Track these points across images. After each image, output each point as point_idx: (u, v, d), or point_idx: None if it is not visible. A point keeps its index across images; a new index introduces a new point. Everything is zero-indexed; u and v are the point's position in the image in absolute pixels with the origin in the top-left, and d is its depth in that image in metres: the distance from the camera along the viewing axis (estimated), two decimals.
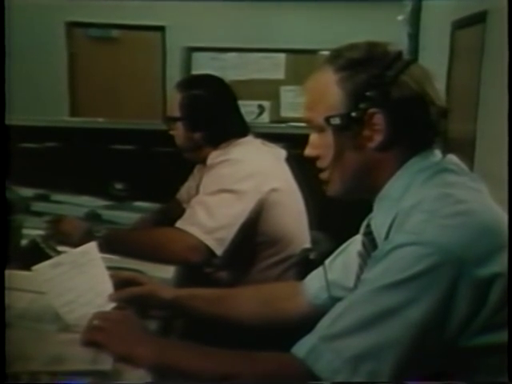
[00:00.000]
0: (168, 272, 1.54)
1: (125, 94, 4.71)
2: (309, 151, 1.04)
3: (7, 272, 1.35)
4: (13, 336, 1.04)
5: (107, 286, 1.20)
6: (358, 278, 1.03)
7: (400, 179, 0.98)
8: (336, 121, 0.97)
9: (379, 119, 0.96)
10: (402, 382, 0.85)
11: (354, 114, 0.96)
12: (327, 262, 1.24)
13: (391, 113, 0.95)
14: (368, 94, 0.95)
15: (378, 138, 0.97)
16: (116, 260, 1.49)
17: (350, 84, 0.97)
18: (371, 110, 0.96)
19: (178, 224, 1.63)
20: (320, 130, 1.01)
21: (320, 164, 1.03)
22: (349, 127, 0.97)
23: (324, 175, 1.03)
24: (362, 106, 0.95)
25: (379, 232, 0.99)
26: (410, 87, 0.95)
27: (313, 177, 1.08)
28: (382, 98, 0.95)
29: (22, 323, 1.13)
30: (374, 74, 0.95)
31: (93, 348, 1.00)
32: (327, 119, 0.98)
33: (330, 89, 0.98)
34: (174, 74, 4.44)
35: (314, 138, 1.03)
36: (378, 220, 1.00)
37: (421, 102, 0.96)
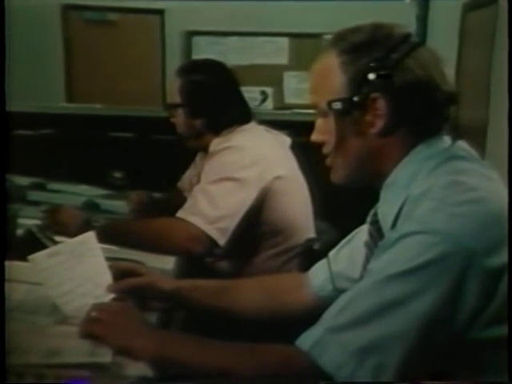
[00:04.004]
0: (168, 263, 1.55)
1: (123, 79, 4.70)
2: (315, 136, 1.04)
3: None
4: (8, 328, 1.04)
5: (106, 277, 1.20)
6: (364, 268, 1.03)
7: (407, 166, 0.98)
8: (337, 105, 0.97)
9: (381, 104, 0.95)
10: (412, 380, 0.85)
11: (355, 99, 0.96)
12: (332, 252, 1.25)
13: (394, 98, 0.95)
14: (370, 78, 0.95)
15: (380, 124, 0.96)
16: (115, 250, 1.49)
17: (352, 68, 0.96)
18: (373, 95, 0.95)
19: (179, 214, 1.64)
20: (324, 114, 1.01)
21: (325, 150, 1.03)
22: (350, 112, 0.97)
23: (328, 162, 1.03)
24: (364, 90, 0.95)
25: (386, 221, 0.99)
26: (415, 72, 0.95)
27: (318, 165, 1.08)
28: (385, 82, 0.94)
29: (18, 315, 1.14)
30: (377, 58, 0.95)
31: (91, 340, 1.01)
32: (329, 103, 0.98)
33: (332, 73, 0.98)
34: (174, 59, 4.43)
35: (319, 122, 1.03)
36: (385, 208, 1.00)
37: (426, 87, 0.96)
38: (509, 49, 0.98)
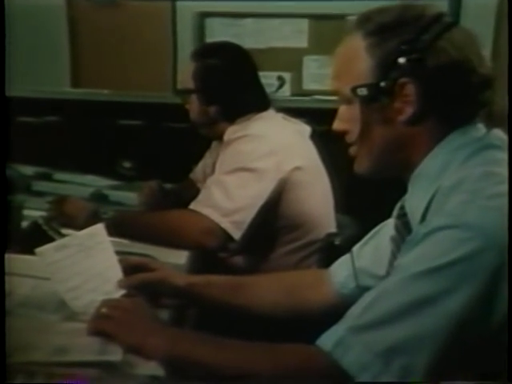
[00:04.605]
0: (181, 257, 1.56)
1: (132, 63, 4.70)
2: (337, 125, 1.04)
3: (7, 256, 1.38)
4: (13, 325, 1.06)
5: (116, 272, 1.21)
6: (391, 264, 1.03)
7: (438, 156, 0.97)
8: (363, 91, 0.97)
9: (411, 90, 0.95)
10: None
11: (383, 84, 0.96)
12: (356, 247, 1.25)
13: (425, 83, 0.95)
14: (399, 61, 0.94)
15: (409, 111, 0.96)
16: (125, 244, 1.50)
17: (379, 51, 0.96)
18: (402, 80, 0.95)
19: (193, 206, 1.64)
20: (348, 101, 1.01)
21: (348, 139, 1.03)
22: (377, 98, 0.97)
23: (352, 151, 1.03)
24: (392, 75, 0.95)
25: (414, 214, 0.98)
26: (449, 54, 0.94)
27: (340, 155, 1.08)
28: (415, 66, 0.94)
29: (24, 311, 1.15)
30: (406, 40, 0.94)
31: (100, 338, 1.02)
32: (354, 89, 0.98)
33: (358, 56, 0.98)
34: (186, 43, 4.42)
35: (342, 110, 1.03)
36: (414, 201, 1.00)
37: (461, 70, 0.95)
38: (509, 49, 0.97)
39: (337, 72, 1.03)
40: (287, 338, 0.94)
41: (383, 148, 1.00)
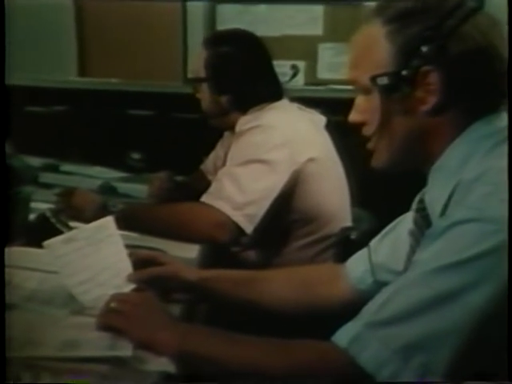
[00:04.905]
0: (191, 251, 1.57)
1: (140, 51, 4.69)
2: (353, 116, 1.03)
3: (15, 249, 1.40)
4: (21, 319, 1.07)
5: (125, 266, 1.22)
6: (409, 259, 1.03)
7: (460, 147, 0.97)
8: (383, 80, 0.96)
9: (434, 78, 0.94)
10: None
11: (404, 73, 0.95)
12: (373, 242, 1.25)
13: (449, 70, 0.94)
14: (422, 48, 0.94)
15: (433, 100, 0.95)
16: (134, 238, 1.51)
17: (400, 38, 0.95)
18: (425, 68, 0.94)
19: (204, 198, 1.65)
20: (366, 91, 1.00)
21: (366, 131, 1.02)
22: (398, 88, 0.96)
23: (370, 144, 1.02)
24: (414, 63, 0.94)
25: (434, 207, 0.98)
26: (474, 39, 0.93)
27: (356, 146, 1.08)
28: (439, 53, 0.93)
29: (31, 305, 1.16)
30: (429, 26, 0.93)
31: (110, 333, 1.02)
32: (373, 79, 0.97)
33: (377, 44, 0.97)
34: (196, 30, 4.42)
35: (359, 101, 1.03)
36: (434, 194, 1.00)
37: (486, 56, 0.94)
38: (509, 48, 0.96)
39: (354, 60, 1.03)
40: (301, 334, 0.95)
41: (404, 140, 0.99)
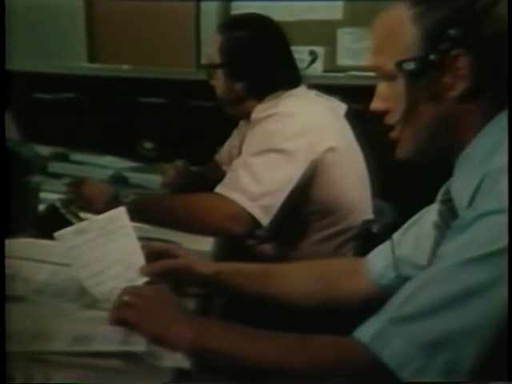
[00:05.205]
0: (206, 244, 1.57)
1: (152, 37, 4.70)
2: (376, 104, 1.03)
3: (24, 241, 1.41)
4: (31, 312, 1.08)
5: (138, 258, 1.23)
6: (433, 253, 1.02)
7: (488, 136, 0.96)
8: (410, 65, 0.96)
9: (464, 62, 0.93)
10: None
11: (432, 57, 0.94)
12: (396, 235, 1.24)
13: (479, 54, 0.93)
14: (450, 31, 0.93)
15: (462, 86, 0.95)
16: (146, 229, 1.52)
17: (427, 20, 0.95)
18: (454, 52, 0.93)
19: (218, 189, 1.65)
20: (390, 78, 1.00)
21: (389, 120, 1.02)
22: (426, 73, 0.95)
23: (394, 133, 1.02)
24: (442, 46, 0.94)
25: (461, 198, 0.98)
26: (506, 21, 0.92)
27: (377, 135, 1.07)
28: (469, 36, 0.92)
29: (41, 298, 1.17)
30: (458, 7, 0.93)
31: (123, 327, 1.03)
32: (399, 64, 0.97)
33: (403, 27, 0.97)
34: (210, 15, 4.41)
35: (382, 88, 1.02)
36: (460, 184, 0.99)
37: None
38: (508, 48, 0.95)
39: (377, 46, 1.02)
40: (319, 329, 0.95)
41: (430, 128, 0.99)
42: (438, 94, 0.96)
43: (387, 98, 1.01)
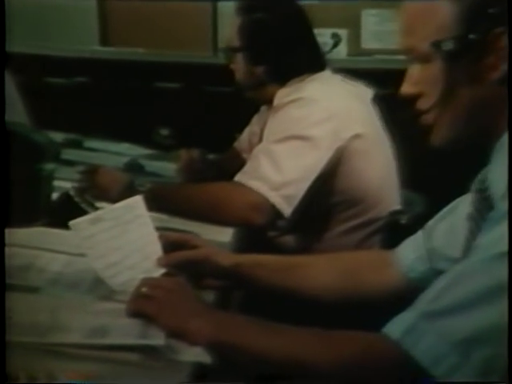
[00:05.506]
0: (225, 235, 1.57)
1: (168, 18, 4.70)
2: (407, 88, 1.02)
3: (38, 230, 1.42)
4: (45, 304, 1.09)
5: (156, 248, 1.23)
6: (468, 245, 1.01)
7: None
8: (449, 45, 0.95)
9: (507, 41, 0.92)
10: None
11: (472, 36, 0.93)
12: (427, 227, 1.23)
13: None
14: (491, 10, 0.92)
15: (504, 67, 0.93)
16: (163, 219, 1.53)
17: None
18: (496, 30, 0.92)
19: (238, 178, 1.66)
20: (424, 60, 0.98)
21: (422, 105, 1.01)
22: (465, 53, 0.94)
23: (428, 119, 1.01)
24: (483, 25, 0.92)
25: (499, 188, 0.96)
26: None
27: (407, 122, 1.06)
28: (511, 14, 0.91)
29: (56, 289, 1.18)
30: None
31: (141, 320, 1.03)
32: (436, 44, 0.96)
33: (437, 6, 0.96)
34: None
35: (414, 71, 1.01)
36: (498, 173, 0.98)
37: None
38: (509, 48, 0.93)
39: (409, 26, 1.01)
40: (343, 324, 0.95)
41: (468, 113, 0.98)
42: (478, 75, 0.95)
43: (420, 82, 1.00)
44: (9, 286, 1.09)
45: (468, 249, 0.98)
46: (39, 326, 1.00)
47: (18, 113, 1.76)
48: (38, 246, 1.33)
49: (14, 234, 1.33)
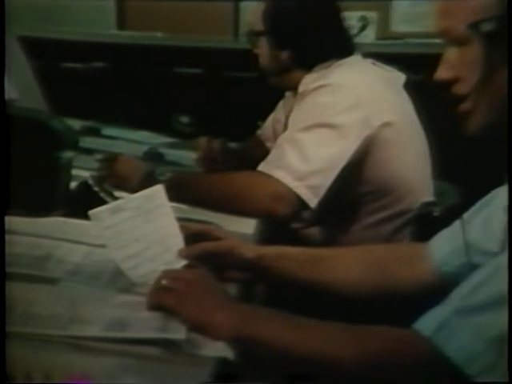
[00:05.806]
0: (248, 226, 1.58)
1: (187, 2, 4.69)
2: (442, 73, 1.01)
3: (56, 220, 1.44)
4: (64, 295, 1.10)
5: (177, 240, 1.23)
6: (506, 239, 1.01)
7: None
8: (488, 26, 0.94)
9: None
10: None
11: None
12: (462, 219, 1.22)
13: None
14: None
15: None
16: (184, 210, 1.53)
17: None
18: None
19: (262, 167, 1.66)
20: (461, 42, 0.98)
21: (459, 90, 1.00)
22: (505, 35, 0.93)
23: (466, 105, 1.00)
24: None
25: None
26: None
27: (440, 108, 1.06)
28: None
29: (75, 281, 1.19)
30: None
31: (161, 313, 1.04)
32: (474, 25, 0.95)
33: None
34: None
35: (450, 54, 1.00)
36: None
37: None
38: (509, 48, 0.92)
39: (445, 8, 1.00)
40: (372, 320, 0.95)
41: (508, 99, 0.97)
42: None
43: (456, 66, 0.99)
44: (26, 277, 1.12)
45: (506, 242, 0.98)
46: (60, 318, 1.01)
47: (35, 99, 1.77)
48: (56, 236, 1.35)
49: (33, 224, 1.35)
